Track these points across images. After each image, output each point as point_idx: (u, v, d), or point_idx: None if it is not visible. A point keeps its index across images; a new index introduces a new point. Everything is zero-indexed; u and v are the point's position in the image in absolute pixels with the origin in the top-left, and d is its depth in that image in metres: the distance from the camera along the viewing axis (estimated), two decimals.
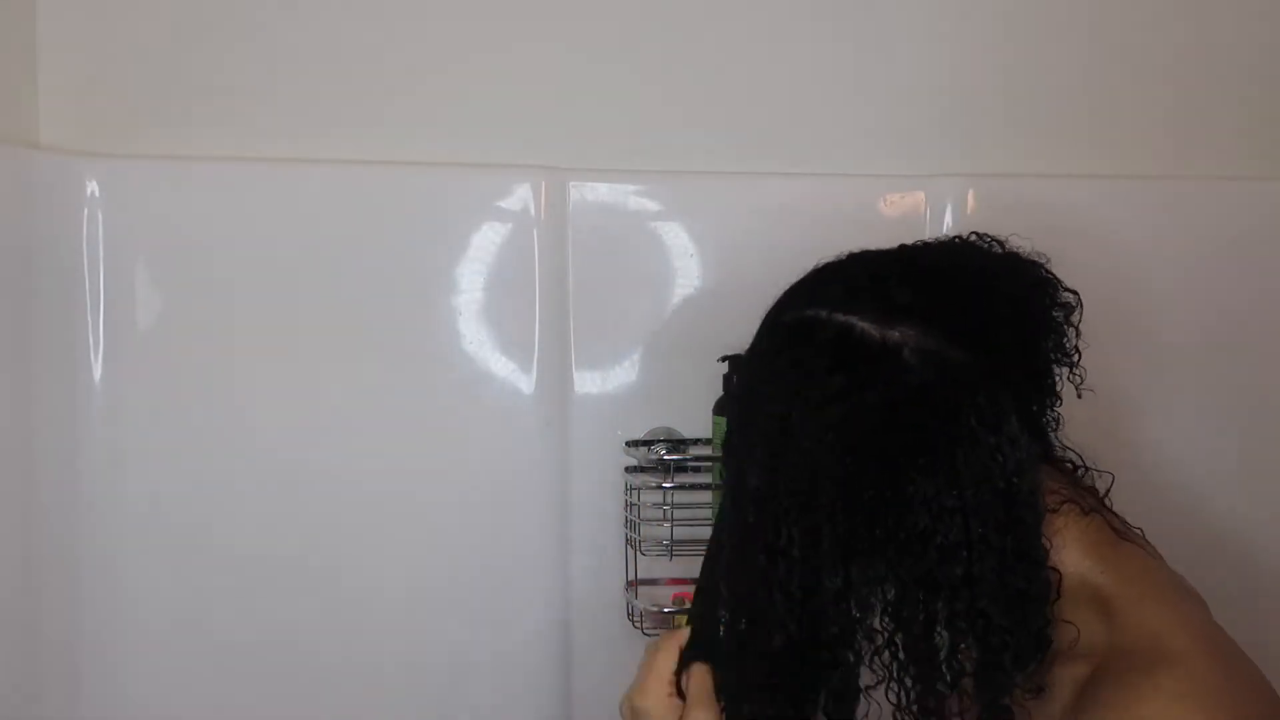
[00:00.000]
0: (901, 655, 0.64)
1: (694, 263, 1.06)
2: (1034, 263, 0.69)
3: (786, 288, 0.71)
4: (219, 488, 1.02)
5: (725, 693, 0.70)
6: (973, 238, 0.71)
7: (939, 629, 0.63)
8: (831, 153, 1.09)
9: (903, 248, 0.70)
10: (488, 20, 1.05)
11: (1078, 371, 0.70)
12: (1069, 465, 0.72)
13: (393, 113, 1.05)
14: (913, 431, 0.62)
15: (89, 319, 0.99)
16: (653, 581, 1.06)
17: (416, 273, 1.03)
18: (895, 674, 0.64)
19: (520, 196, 1.04)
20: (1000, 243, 0.70)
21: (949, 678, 0.63)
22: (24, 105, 0.99)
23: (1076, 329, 0.69)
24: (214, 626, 1.02)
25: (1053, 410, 0.71)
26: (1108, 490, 0.72)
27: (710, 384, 1.04)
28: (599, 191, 1.05)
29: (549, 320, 1.05)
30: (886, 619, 0.64)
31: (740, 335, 0.99)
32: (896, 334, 0.63)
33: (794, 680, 0.66)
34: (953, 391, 0.62)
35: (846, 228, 1.04)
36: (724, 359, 1.03)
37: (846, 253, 0.70)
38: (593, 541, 1.07)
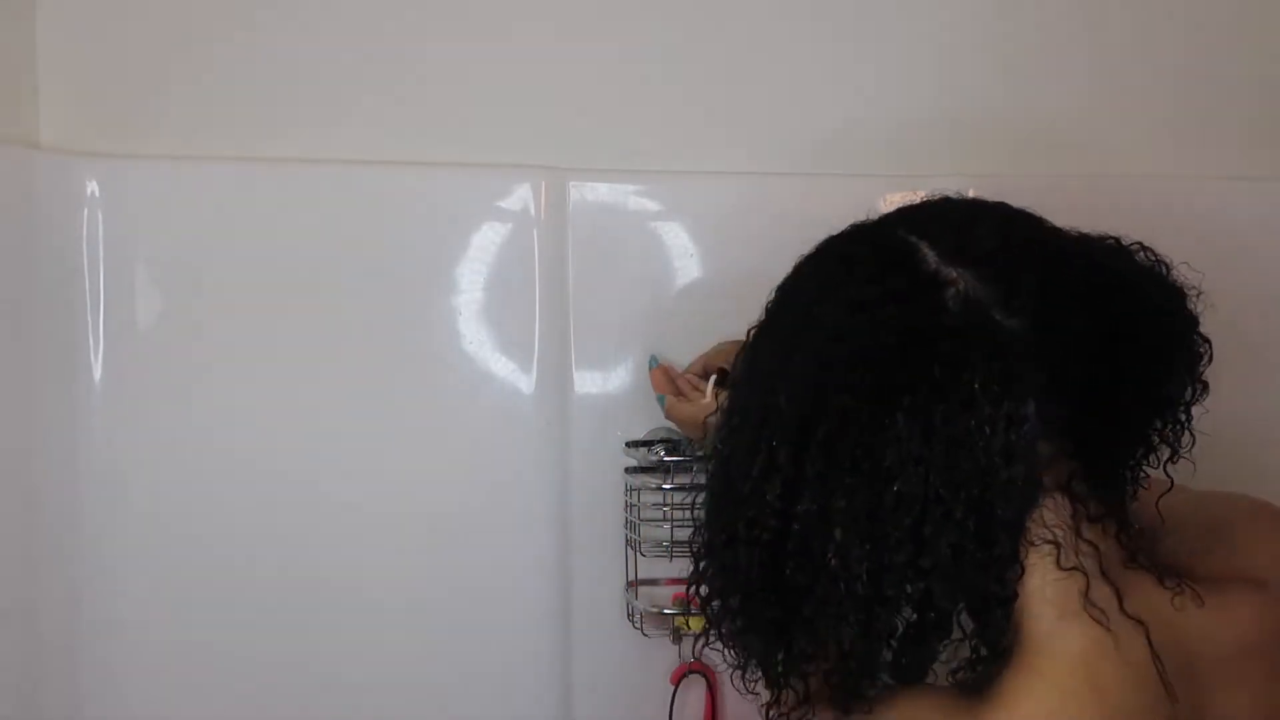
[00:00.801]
0: (845, 601, 0.60)
1: (694, 263, 1.06)
2: (1181, 291, 0.65)
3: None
4: (219, 487, 1.02)
5: (706, 599, 0.68)
6: (1135, 246, 0.67)
7: (885, 586, 0.60)
8: (831, 153, 1.09)
9: (1046, 226, 0.67)
10: (487, 20, 1.05)
11: (1182, 437, 0.65)
12: (1134, 527, 0.65)
13: (393, 113, 1.05)
14: (915, 368, 0.58)
15: (89, 319, 0.99)
16: (653, 582, 1.06)
17: (416, 273, 1.03)
18: (841, 619, 0.61)
19: (520, 196, 1.04)
20: (1166, 264, 0.66)
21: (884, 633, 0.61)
22: (24, 105, 0.99)
23: (1197, 383, 0.64)
24: (214, 626, 1.02)
25: (1142, 461, 0.66)
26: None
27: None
28: (599, 191, 1.05)
29: (549, 320, 1.05)
30: (834, 559, 0.60)
31: (740, 335, 0.99)
32: (954, 272, 0.60)
33: (766, 611, 0.63)
34: (972, 347, 0.58)
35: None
36: None
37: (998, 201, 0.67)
38: (593, 541, 1.07)
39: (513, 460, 1.05)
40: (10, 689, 0.94)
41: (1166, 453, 0.66)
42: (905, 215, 0.66)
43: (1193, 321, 0.64)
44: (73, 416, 0.99)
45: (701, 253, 1.07)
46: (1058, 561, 0.61)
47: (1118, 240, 0.67)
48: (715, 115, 1.08)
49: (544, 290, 1.05)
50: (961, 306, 0.59)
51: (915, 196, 1.05)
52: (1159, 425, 0.65)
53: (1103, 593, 0.61)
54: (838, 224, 1.05)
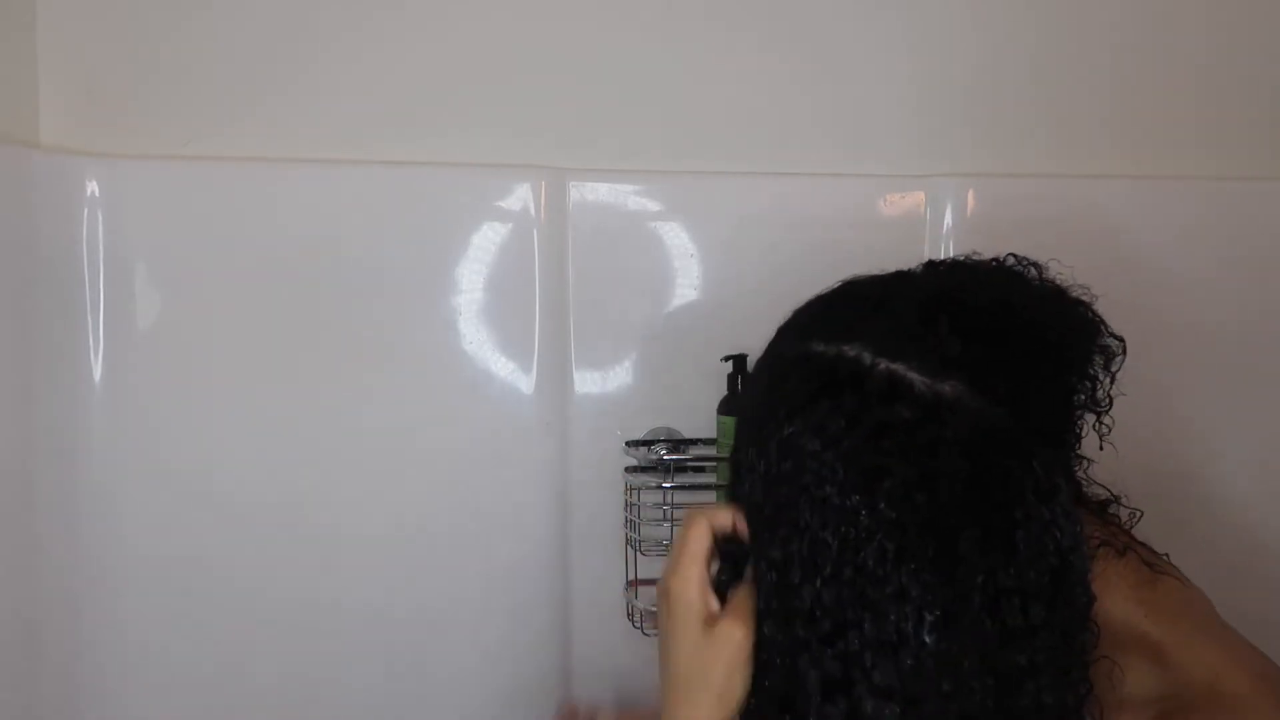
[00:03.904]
0: None
1: (694, 263, 1.06)
2: (1080, 302, 0.64)
3: (811, 299, 0.64)
4: (219, 486, 1.02)
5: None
6: (1011, 261, 0.65)
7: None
8: (831, 153, 1.09)
9: (940, 273, 0.64)
10: (487, 20, 1.05)
11: (1105, 420, 0.64)
12: (1094, 500, 0.67)
13: (393, 113, 1.05)
14: (966, 503, 0.55)
15: (89, 319, 0.99)
16: (653, 581, 1.06)
17: (416, 273, 1.04)
18: None
19: (520, 196, 1.04)
20: (1039, 267, 0.65)
21: None
22: (24, 105, 0.99)
23: (1113, 376, 0.63)
24: (213, 626, 1.02)
25: (1076, 454, 0.64)
26: (1134, 523, 0.68)
27: (710, 384, 1.04)
28: (599, 191, 1.05)
29: (549, 320, 1.05)
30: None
31: (740, 335, 0.99)
32: (947, 388, 0.56)
33: None
34: (1004, 458, 0.55)
35: (846, 228, 1.06)
36: (726, 359, 1.03)
37: (878, 272, 0.64)
38: (593, 541, 1.07)
39: (513, 460, 1.05)
40: (10, 687, 0.94)
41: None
42: (855, 332, 0.59)
43: (1101, 326, 0.64)
44: (73, 416, 0.99)
45: (701, 253, 1.07)
46: (1117, 551, 0.64)
47: (999, 261, 0.65)
48: (715, 115, 1.08)
49: (544, 290, 1.05)
50: (967, 422, 0.56)
51: (915, 196, 1.08)
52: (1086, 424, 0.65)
53: (1145, 553, 0.65)
54: (838, 224, 1.06)
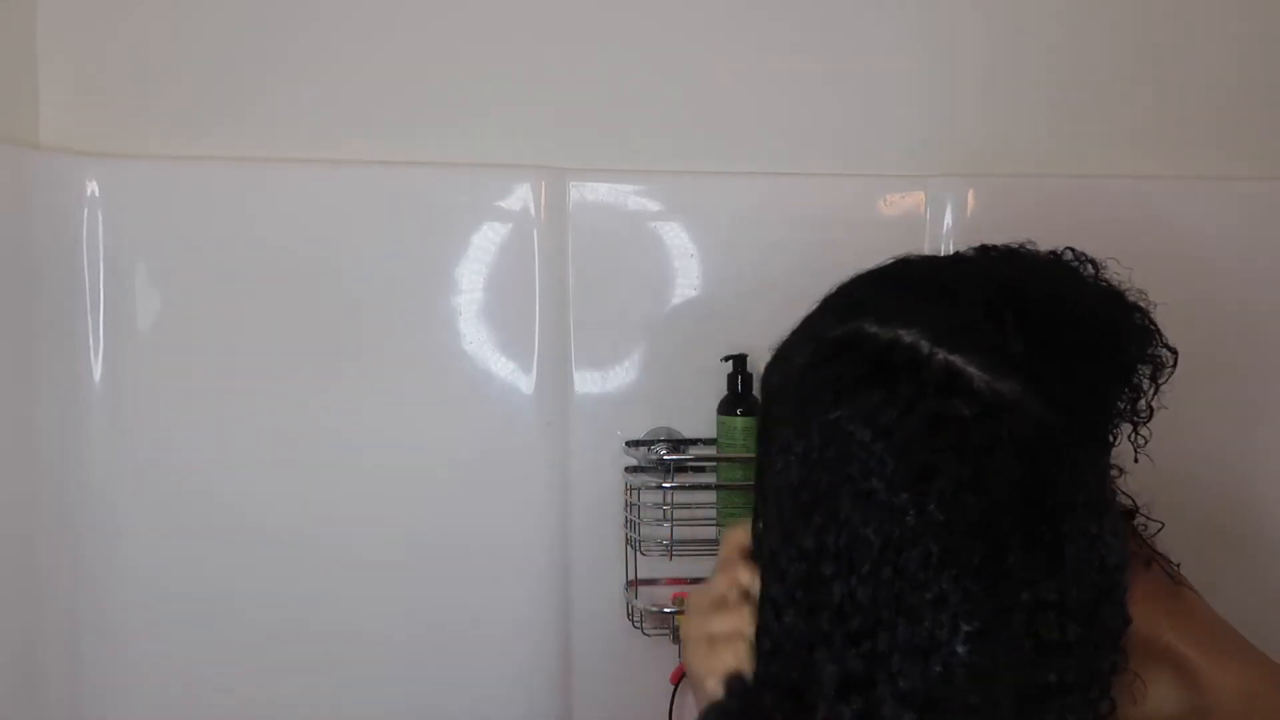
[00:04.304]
0: None
1: (694, 263, 1.06)
2: (1137, 308, 0.61)
3: (861, 276, 0.61)
4: (219, 486, 1.02)
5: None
6: (1069, 255, 0.62)
7: None
8: (832, 153, 1.09)
9: (997, 261, 0.61)
10: (488, 20, 1.05)
11: (1143, 432, 0.61)
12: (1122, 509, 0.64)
13: (392, 113, 1.05)
14: (1017, 509, 0.53)
15: (89, 319, 0.99)
16: (653, 581, 1.06)
17: (416, 273, 1.03)
18: None
19: (520, 196, 1.04)
20: (1096, 264, 0.62)
21: None
22: (24, 105, 0.99)
23: (1158, 387, 0.61)
24: (214, 624, 1.02)
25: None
26: (1154, 534, 0.66)
27: (710, 384, 1.04)
28: (599, 191, 1.05)
29: (549, 320, 1.05)
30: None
31: (740, 335, 0.99)
32: (1006, 388, 0.53)
33: None
34: (1059, 467, 0.53)
35: (846, 228, 1.06)
36: (726, 359, 1.03)
37: (932, 254, 0.62)
38: (593, 541, 1.07)
39: (513, 460, 1.05)
40: (11, 688, 0.94)
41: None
42: (914, 317, 0.56)
43: (1156, 336, 0.62)
44: (73, 416, 0.99)
45: (701, 253, 1.07)
46: (1144, 562, 0.62)
47: (1056, 254, 0.62)
48: (715, 115, 1.08)
49: (544, 290, 1.05)
50: (1026, 426, 0.53)
51: (915, 196, 1.08)
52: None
53: (1165, 564, 0.64)
54: (838, 223, 1.06)
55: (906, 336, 0.55)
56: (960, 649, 0.52)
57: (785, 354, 0.62)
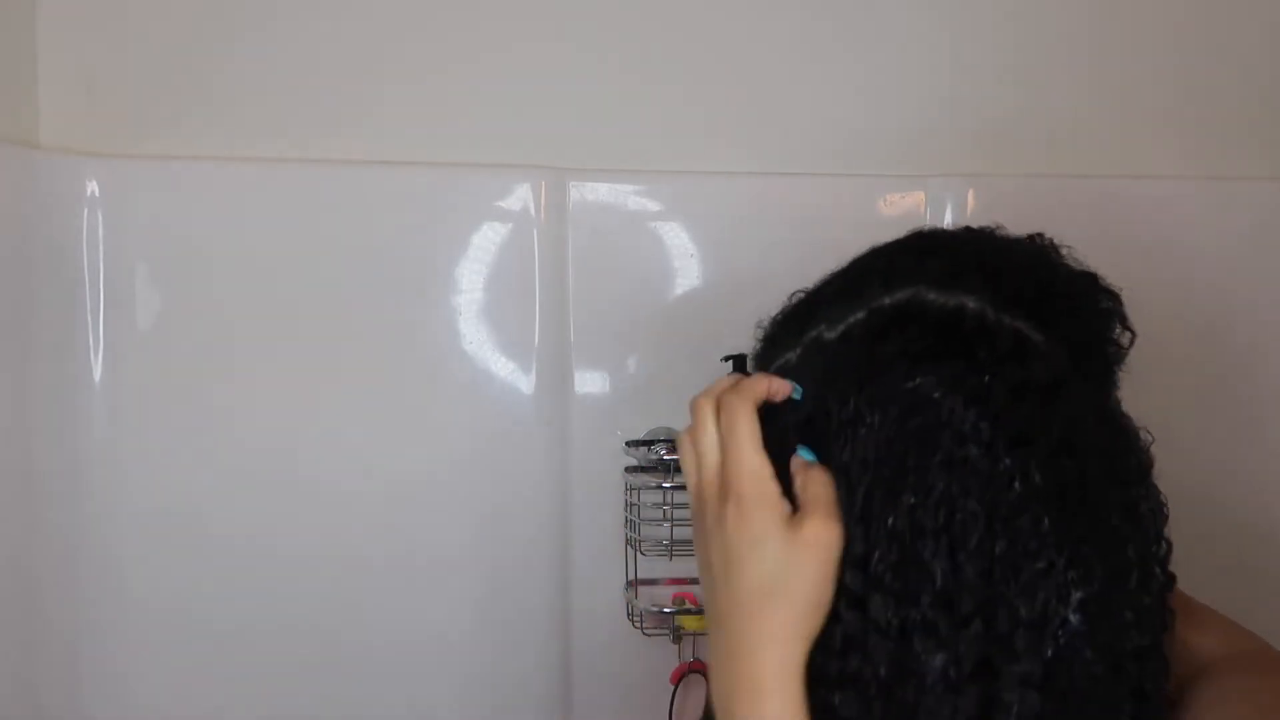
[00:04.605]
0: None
1: (694, 263, 1.06)
2: (1109, 292, 0.61)
3: (882, 249, 0.60)
4: (219, 487, 1.02)
5: None
6: (1043, 239, 0.61)
7: None
8: (831, 152, 1.09)
9: (1000, 236, 0.60)
10: (487, 20, 1.05)
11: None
12: None
13: (392, 113, 1.05)
14: (1106, 472, 0.53)
15: (89, 319, 0.99)
16: (653, 581, 1.06)
17: (416, 273, 1.03)
18: None
19: (520, 196, 1.04)
20: (1066, 249, 0.62)
21: None
22: (24, 105, 0.99)
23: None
24: (214, 625, 1.02)
25: None
26: None
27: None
28: (599, 191, 1.05)
29: (549, 320, 1.05)
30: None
31: (740, 335, 0.99)
32: (1061, 355, 0.54)
33: None
34: (1121, 432, 0.56)
35: (846, 227, 1.05)
36: (726, 359, 1.03)
37: (939, 228, 0.63)
38: (593, 541, 1.07)
39: (513, 460, 1.05)
40: (11, 689, 0.94)
41: None
42: (960, 283, 0.55)
43: (1120, 318, 0.60)
44: (73, 416, 0.99)
45: (702, 253, 1.06)
46: None
47: (1038, 239, 0.62)
48: (715, 115, 1.08)
49: (544, 290, 1.05)
50: (1085, 390, 0.54)
51: (915, 196, 1.08)
52: None
53: None
54: (838, 223, 1.06)
55: (971, 303, 0.54)
56: (1073, 618, 0.50)
57: (819, 327, 0.58)
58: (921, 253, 0.59)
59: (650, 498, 1.03)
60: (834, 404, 0.55)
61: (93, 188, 0.98)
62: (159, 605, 1.02)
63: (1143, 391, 1.16)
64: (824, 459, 0.56)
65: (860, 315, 0.56)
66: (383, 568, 1.04)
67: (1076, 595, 0.50)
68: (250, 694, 1.03)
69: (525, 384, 1.05)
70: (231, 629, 1.03)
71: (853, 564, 0.53)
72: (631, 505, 1.04)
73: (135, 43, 1.02)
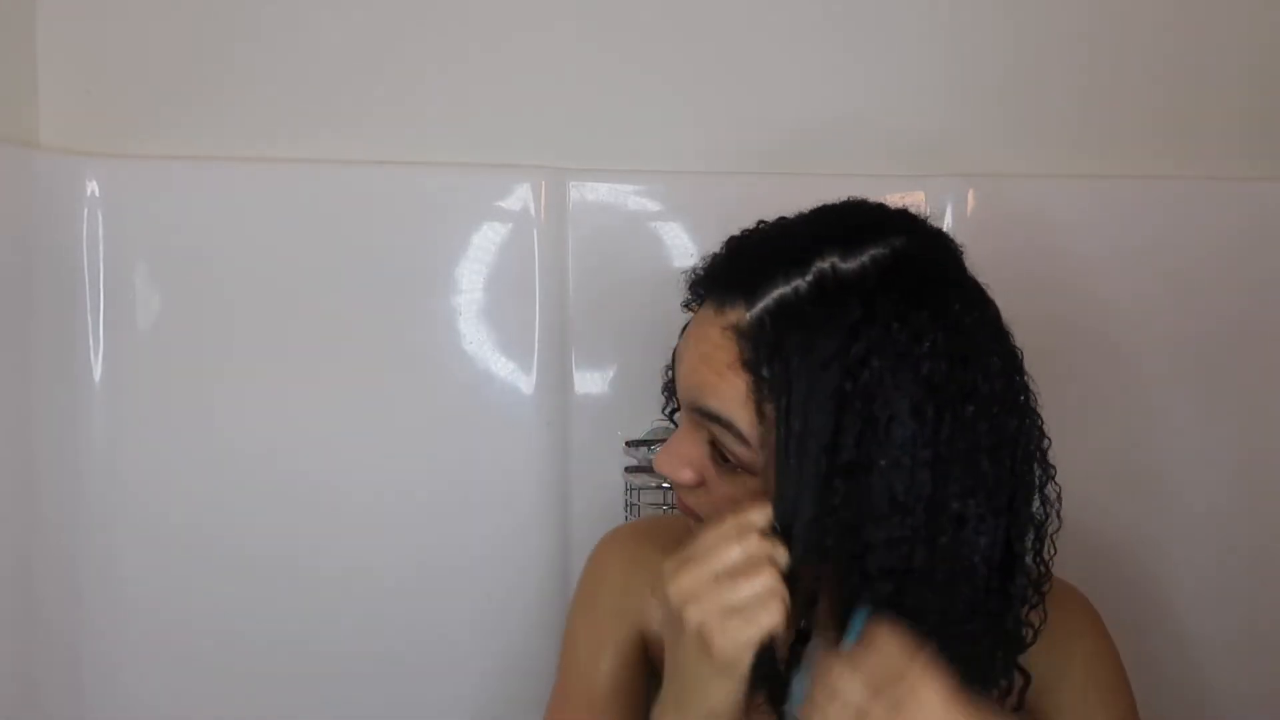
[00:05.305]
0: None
1: (694, 263, 1.06)
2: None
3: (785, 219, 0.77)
4: (219, 487, 1.02)
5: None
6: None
7: None
8: (831, 153, 1.09)
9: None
10: (487, 20, 1.05)
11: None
12: None
13: (392, 112, 1.05)
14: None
15: (89, 319, 0.99)
16: None
17: (416, 273, 1.04)
18: None
19: (520, 196, 1.04)
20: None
21: None
22: (24, 105, 0.99)
23: None
24: (214, 626, 1.03)
25: None
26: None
27: None
28: (599, 191, 1.05)
29: (549, 320, 1.05)
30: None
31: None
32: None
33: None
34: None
35: None
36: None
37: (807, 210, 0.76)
38: (593, 541, 1.06)
39: (513, 460, 1.05)
40: (11, 689, 0.94)
41: None
42: (857, 235, 0.71)
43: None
44: (73, 416, 0.99)
45: (702, 253, 1.06)
46: None
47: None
48: (715, 115, 1.08)
49: (544, 290, 1.05)
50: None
51: (915, 196, 1.08)
52: None
53: None
54: None
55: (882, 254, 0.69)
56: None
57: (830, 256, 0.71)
58: (819, 223, 0.77)
59: (650, 498, 1.03)
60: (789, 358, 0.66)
61: (93, 188, 0.98)
62: (159, 606, 1.02)
63: (1143, 389, 1.16)
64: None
65: (806, 280, 0.68)
66: (381, 568, 1.04)
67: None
68: (250, 694, 1.03)
69: (525, 384, 1.05)
70: (231, 629, 1.03)
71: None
72: (631, 505, 1.04)
73: (135, 43, 1.02)
